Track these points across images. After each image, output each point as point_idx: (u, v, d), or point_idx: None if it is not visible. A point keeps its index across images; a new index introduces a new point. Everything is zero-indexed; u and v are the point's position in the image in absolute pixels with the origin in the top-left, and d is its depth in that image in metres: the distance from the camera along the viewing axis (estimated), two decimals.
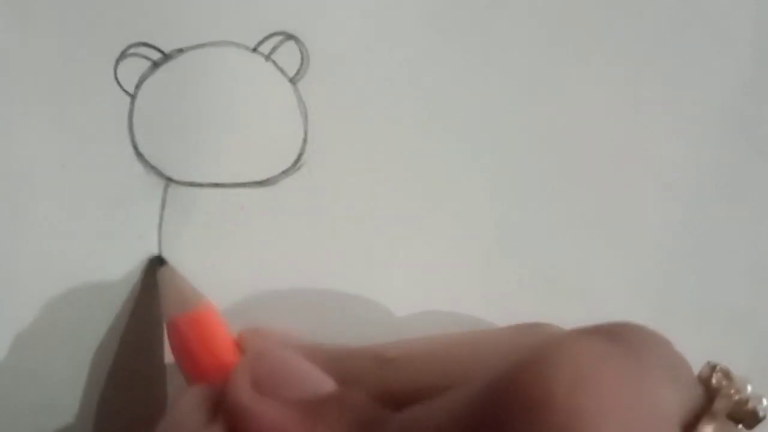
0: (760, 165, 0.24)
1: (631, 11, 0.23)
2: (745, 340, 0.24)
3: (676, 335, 0.24)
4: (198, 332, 0.20)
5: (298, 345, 0.20)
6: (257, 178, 0.22)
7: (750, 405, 0.16)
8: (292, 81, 0.22)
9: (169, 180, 0.22)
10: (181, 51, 0.22)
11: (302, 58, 0.22)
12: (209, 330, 0.21)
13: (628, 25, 0.23)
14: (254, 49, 0.22)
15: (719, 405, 0.16)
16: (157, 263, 0.22)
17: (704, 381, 0.17)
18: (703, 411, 0.15)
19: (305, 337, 0.21)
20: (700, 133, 0.24)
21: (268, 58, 0.22)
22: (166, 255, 0.22)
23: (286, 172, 0.22)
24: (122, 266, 0.22)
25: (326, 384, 0.18)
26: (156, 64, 0.21)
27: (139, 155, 0.22)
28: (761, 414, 0.16)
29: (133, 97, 0.22)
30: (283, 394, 0.17)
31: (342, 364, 0.19)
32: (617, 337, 0.15)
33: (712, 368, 0.17)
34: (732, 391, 0.16)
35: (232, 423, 0.18)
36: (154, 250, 0.22)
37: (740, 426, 0.16)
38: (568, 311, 0.24)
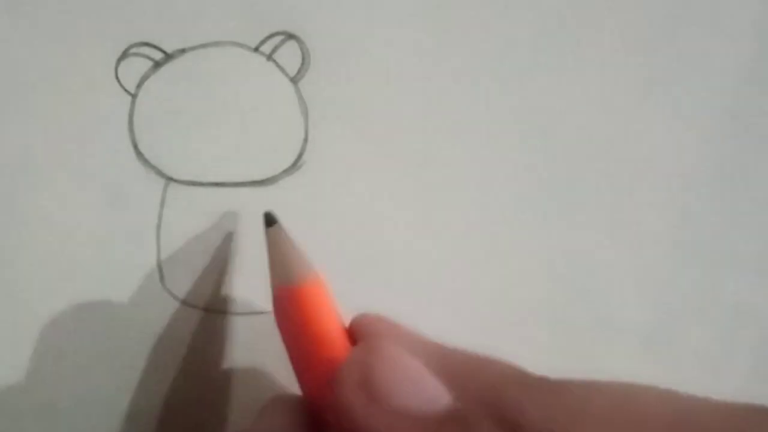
0: (762, 160, 0.24)
1: (631, 10, 0.23)
2: (748, 336, 0.24)
3: (679, 332, 0.24)
4: (303, 310, 0.18)
5: (420, 342, 0.17)
6: (257, 178, 0.22)
7: None
8: (293, 81, 0.22)
9: (169, 179, 0.22)
10: (182, 51, 0.22)
11: (303, 58, 0.22)
12: (316, 310, 0.18)
13: (628, 23, 0.23)
14: (256, 49, 0.22)
15: None
16: (267, 221, 0.19)
17: None
18: None
19: (429, 336, 0.18)
20: (703, 129, 0.24)
21: (269, 57, 0.22)
22: (165, 254, 0.22)
23: (286, 172, 0.22)
24: (122, 265, 0.22)
25: (443, 397, 0.15)
26: (158, 64, 0.21)
27: (139, 154, 0.22)
28: None
29: (134, 96, 0.22)
30: (394, 401, 0.15)
31: (472, 377, 0.16)
32: None
33: None
34: None
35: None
36: (153, 250, 0.22)
37: None
38: (570, 308, 0.24)
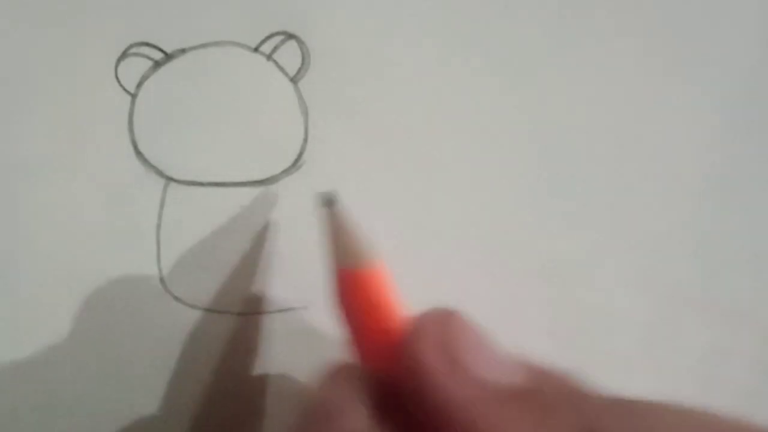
0: (761, 161, 0.24)
1: (632, 9, 0.23)
2: (747, 335, 0.24)
3: (679, 330, 0.24)
4: (366, 294, 0.17)
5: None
6: (258, 177, 0.22)
7: None
8: (293, 80, 0.22)
9: (169, 179, 0.22)
10: (182, 51, 0.22)
11: (303, 58, 0.22)
12: (380, 295, 0.17)
13: (630, 25, 0.23)
14: (256, 49, 0.22)
15: None
16: (327, 201, 0.18)
17: None
18: None
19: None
20: (703, 130, 0.24)
21: (269, 57, 0.22)
22: (165, 254, 0.22)
23: (286, 172, 0.22)
24: (122, 265, 0.22)
25: (519, 373, 0.15)
26: (158, 64, 0.21)
27: (139, 154, 0.22)
28: None
29: (134, 96, 0.22)
30: (472, 367, 0.14)
31: (545, 374, 0.15)
32: None
33: None
34: None
35: (410, 399, 0.15)
36: (152, 250, 0.22)
37: None
38: (569, 307, 0.24)
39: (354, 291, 0.17)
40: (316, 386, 0.16)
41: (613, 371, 0.24)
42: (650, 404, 0.14)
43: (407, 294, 0.23)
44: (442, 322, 0.15)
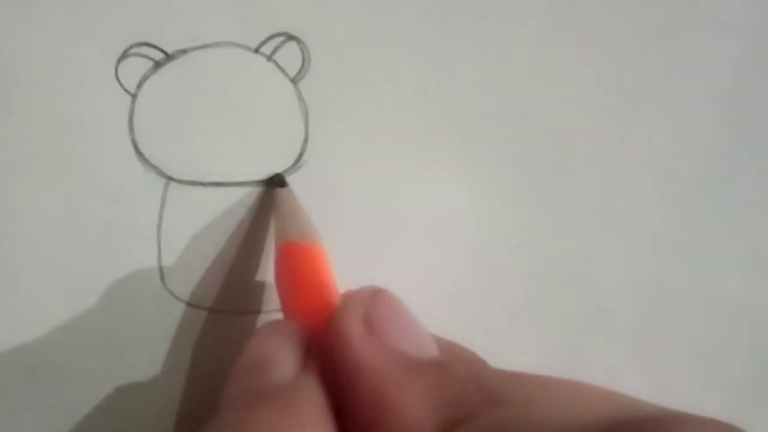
0: (755, 160, 0.24)
1: (629, 8, 0.23)
2: (740, 335, 0.24)
3: (674, 328, 0.24)
4: (309, 266, 0.19)
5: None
6: (258, 177, 0.22)
7: None
8: (294, 81, 0.22)
9: (170, 179, 0.22)
10: (183, 51, 0.22)
11: (303, 59, 0.22)
12: (320, 268, 0.19)
13: (626, 21, 0.23)
14: (256, 50, 0.22)
15: None
16: (277, 183, 0.21)
17: None
18: None
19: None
20: (695, 129, 0.24)
21: (269, 58, 0.22)
22: (165, 254, 0.22)
23: (286, 172, 0.22)
24: (122, 265, 0.22)
25: (433, 348, 0.17)
26: (158, 64, 0.22)
27: (139, 154, 0.22)
28: None
29: (134, 96, 0.22)
30: (390, 339, 0.16)
31: (456, 351, 0.18)
32: None
33: None
34: None
35: (330, 360, 0.16)
36: (153, 250, 0.22)
37: None
38: (562, 307, 0.24)
39: (293, 264, 0.19)
40: (250, 339, 0.17)
41: (606, 370, 0.24)
42: (541, 376, 0.16)
43: (404, 292, 0.23)
44: (369, 298, 0.17)
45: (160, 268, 0.22)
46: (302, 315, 0.18)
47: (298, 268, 0.19)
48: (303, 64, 0.22)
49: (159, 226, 0.22)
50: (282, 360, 0.16)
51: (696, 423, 0.13)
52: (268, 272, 0.22)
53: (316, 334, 0.17)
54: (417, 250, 0.23)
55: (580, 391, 0.15)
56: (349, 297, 0.17)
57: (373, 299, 0.17)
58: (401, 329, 0.16)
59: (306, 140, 0.22)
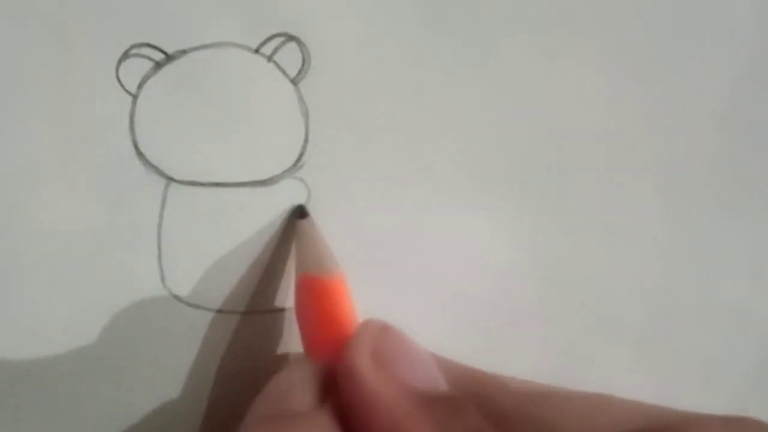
0: (758, 162, 0.24)
1: (628, 9, 0.23)
2: (743, 339, 0.24)
3: (676, 334, 0.24)
4: (327, 300, 0.19)
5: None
6: (258, 178, 0.22)
7: None
8: (294, 82, 0.22)
9: (170, 179, 0.22)
10: (183, 52, 0.22)
11: (304, 59, 0.22)
12: (339, 301, 0.20)
13: (626, 23, 0.23)
14: (256, 51, 0.22)
15: None
16: (297, 214, 0.22)
17: None
18: None
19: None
20: (699, 131, 0.24)
21: (270, 59, 0.22)
22: (166, 254, 0.22)
23: (286, 172, 0.22)
24: (122, 265, 0.22)
25: (441, 382, 0.17)
26: (159, 65, 0.22)
27: (140, 155, 0.22)
28: None
29: (134, 97, 0.22)
30: (399, 373, 0.17)
31: (465, 380, 0.18)
32: None
33: None
34: None
35: (343, 394, 0.17)
36: (153, 250, 0.22)
37: None
38: (564, 312, 0.24)
39: (310, 298, 0.20)
40: (277, 373, 0.19)
41: (608, 375, 0.24)
42: (563, 391, 0.17)
43: (404, 295, 0.23)
44: (377, 334, 0.18)
45: (161, 268, 0.22)
46: (320, 346, 0.19)
47: (316, 301, 0.20)
48: (303, 65, 0.22)
49: (159, 226, 0.22)
50: (301, 392, 0.17)
51: (718, 423, 0.14)
52: (268, 272, 0.22)
53: (334, 366, 0.18)
54: (418, 252, 0.23)
55: (604, 403, 0.16)
56: (358, 333, 0.18)
57: (381, 334, 0.18)
58: (410, 362, 0.17)
59: (306, 141, 0.22)
